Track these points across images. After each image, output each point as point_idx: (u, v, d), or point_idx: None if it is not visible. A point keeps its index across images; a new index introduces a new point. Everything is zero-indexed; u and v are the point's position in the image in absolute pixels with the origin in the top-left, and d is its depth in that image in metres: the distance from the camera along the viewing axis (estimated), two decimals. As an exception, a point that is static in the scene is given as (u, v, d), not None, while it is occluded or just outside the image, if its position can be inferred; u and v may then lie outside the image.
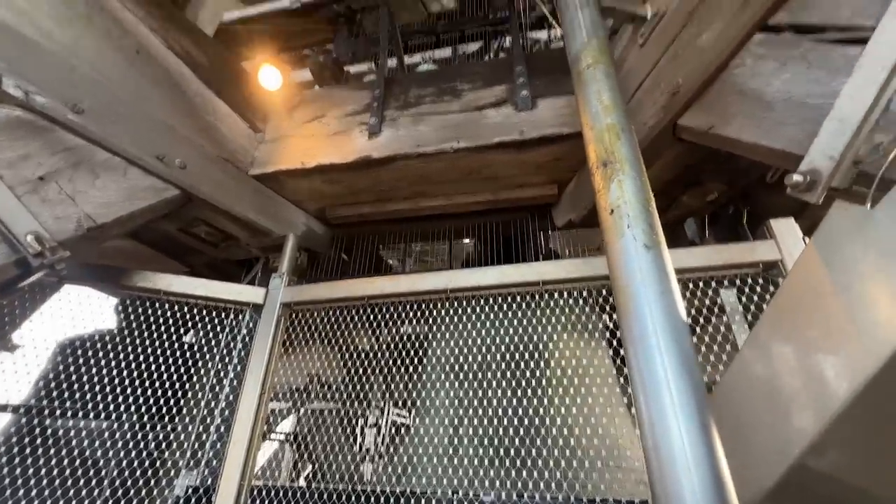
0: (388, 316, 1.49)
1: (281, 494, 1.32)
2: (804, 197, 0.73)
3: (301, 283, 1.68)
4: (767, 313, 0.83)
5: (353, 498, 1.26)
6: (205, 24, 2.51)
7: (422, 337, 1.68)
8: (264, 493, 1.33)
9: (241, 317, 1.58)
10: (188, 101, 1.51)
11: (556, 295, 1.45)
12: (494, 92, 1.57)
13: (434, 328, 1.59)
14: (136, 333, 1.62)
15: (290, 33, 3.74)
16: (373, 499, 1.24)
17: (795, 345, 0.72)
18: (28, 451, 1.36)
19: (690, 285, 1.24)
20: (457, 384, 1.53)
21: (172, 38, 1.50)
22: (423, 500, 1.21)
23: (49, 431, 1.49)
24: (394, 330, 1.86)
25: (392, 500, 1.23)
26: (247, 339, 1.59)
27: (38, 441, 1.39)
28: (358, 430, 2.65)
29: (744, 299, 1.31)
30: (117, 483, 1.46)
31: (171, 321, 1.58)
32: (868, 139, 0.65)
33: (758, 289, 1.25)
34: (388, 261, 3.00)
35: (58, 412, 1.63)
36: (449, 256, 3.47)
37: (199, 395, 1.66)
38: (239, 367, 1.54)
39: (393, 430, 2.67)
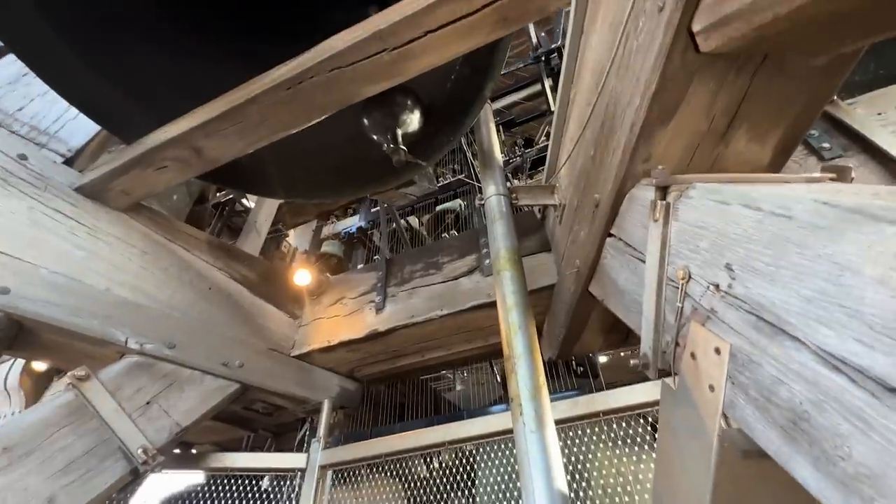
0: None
1: None
2: (647, 374, 0.97)
3: (339, 442, 2.00)
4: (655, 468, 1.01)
5: None
6: (260, 228, 3.28)
7: (472, 456, 1.83)
8: None
9: (292, 480, 1.90)
10: (244, 312, 2.05)
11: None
12: (466, 262, 1.98)
13: (480, 450, 1.75)
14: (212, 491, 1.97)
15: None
16: None
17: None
18: None
19: (644, 419, 1.40)
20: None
21: (233, 269, 2.11)
22: None
23: None
24: (445, 454, 2.04)
25: None
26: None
27: None
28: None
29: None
30: None
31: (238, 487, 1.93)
32: (664, 336, 0.91)
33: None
34: (431, 384, 3.28)
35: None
36: (492, 369, 3.74)
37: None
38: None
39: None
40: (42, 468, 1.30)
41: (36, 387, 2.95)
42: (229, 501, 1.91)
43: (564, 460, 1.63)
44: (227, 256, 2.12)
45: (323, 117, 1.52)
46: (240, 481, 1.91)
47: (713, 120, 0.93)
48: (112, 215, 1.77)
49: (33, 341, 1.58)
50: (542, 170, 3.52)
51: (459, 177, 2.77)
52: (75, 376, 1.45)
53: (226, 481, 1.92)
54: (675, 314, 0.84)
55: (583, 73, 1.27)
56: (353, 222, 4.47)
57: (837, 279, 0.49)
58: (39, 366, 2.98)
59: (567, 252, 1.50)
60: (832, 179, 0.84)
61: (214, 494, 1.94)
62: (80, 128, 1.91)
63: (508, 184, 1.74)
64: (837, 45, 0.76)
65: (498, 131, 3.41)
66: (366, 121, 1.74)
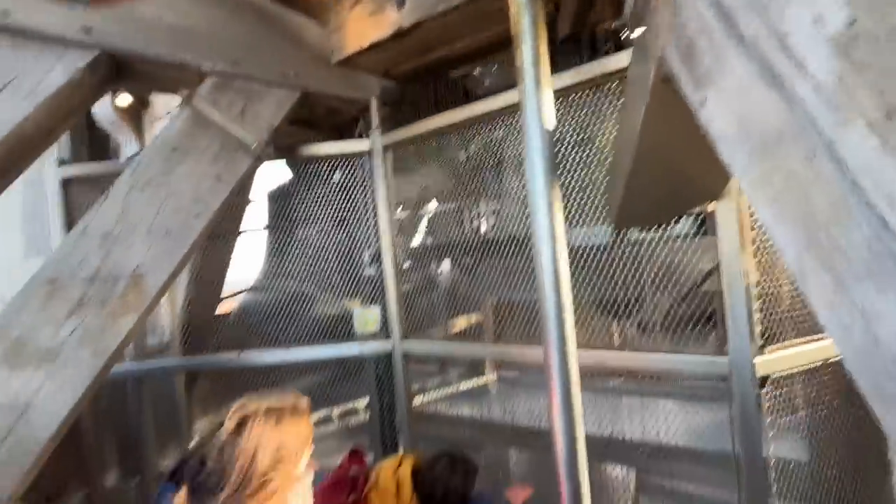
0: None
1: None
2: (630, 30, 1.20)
3: (391, 129, 2.51)
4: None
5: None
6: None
7: (500, 143, 2.35)
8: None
9: (362, 166, 2.56)
10: (285, 28, 2.19)
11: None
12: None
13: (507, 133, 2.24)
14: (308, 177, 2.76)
15: None
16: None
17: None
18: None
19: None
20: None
21: (251, -21, 2.10)
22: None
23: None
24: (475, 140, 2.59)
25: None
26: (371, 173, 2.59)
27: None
28: (468, 221, 3.77)
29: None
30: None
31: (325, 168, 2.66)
32: (643, -5, 1.08)
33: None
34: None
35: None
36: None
37: (362, 212, 2.82)
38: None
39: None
40: (201, 159, 1.92)
41: (132, 119, 3.53)
42: (313, 183, 2.67)
43: (573, 126, 2.04)
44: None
45: None
46: (315, 165, 2.61)
47: None
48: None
49: (131, 74, 1.94)
50: None
51: None
52: (184, 96, 1.87)
53: (307, 165, 2.64)
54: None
55: None
56: None
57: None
58: (121, 102, 3.44)
59: None
60: None
61: (303, 180, 2.70)
62: None
63: None
64: None
65: None
66: None
